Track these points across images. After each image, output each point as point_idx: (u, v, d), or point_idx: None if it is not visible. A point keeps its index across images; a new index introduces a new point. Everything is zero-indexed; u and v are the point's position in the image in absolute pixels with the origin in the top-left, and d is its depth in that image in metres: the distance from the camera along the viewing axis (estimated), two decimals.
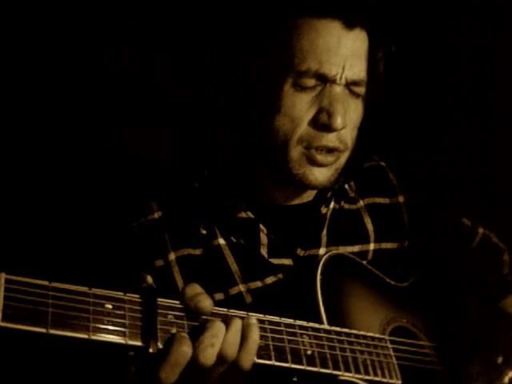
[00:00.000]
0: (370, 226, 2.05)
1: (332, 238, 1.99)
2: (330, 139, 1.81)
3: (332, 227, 2.00)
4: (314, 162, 1.82)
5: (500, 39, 2.56)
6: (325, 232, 1.98)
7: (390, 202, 2.11)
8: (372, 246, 2.03)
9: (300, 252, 1.94)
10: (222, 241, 1.89)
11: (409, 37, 2.56)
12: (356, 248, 2.01)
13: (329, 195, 2.01)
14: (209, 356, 1.43)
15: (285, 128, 1.81)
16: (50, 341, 1.36)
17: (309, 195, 2.00)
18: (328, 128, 1.79)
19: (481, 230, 2.22)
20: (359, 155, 2.09)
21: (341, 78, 1.79)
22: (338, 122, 1.78)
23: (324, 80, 1.79)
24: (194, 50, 2.16)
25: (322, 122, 1.79)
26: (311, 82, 1.79)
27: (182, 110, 2.37)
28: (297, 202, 1.98)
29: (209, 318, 1.50)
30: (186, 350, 1.41)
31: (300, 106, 1.80)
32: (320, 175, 1.84)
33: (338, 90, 1.80)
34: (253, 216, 1.92)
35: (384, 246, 2.05)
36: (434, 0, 2.60)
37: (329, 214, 2.00)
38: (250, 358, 1.50)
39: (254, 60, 1.84)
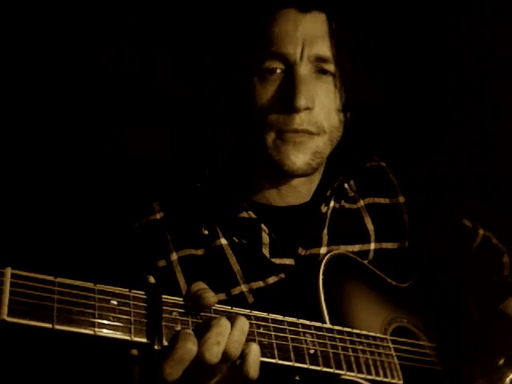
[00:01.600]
0: (370, 226, 2.05)
1: (333, 237, 1.99)
2: (297, 122, 1.82)
3: (332, 226, 2.00)
4: (288, 141, 1.83)
5: (500, 39, 2.57)
6: (325, 231, 1.98)
7: (391, 202, 2.12)
8: (373, 246, 2.03)
9: (301, 251, 1.94)
10: (223, 241, 1.89)
11: (408, 36, 2.57)
12: (356, 247, 2.02)
13: (328, 194, 2.01)
14: (214, 354, 1.42)
15: (258, 118, 1.84)
16: (54, 337, 1.35)
17: (307, 195, 2.00)
18: (292, 108, 1.80)
19: (481, 232, 2.23)
20: (359, 155, 2.10)
21: (301, 56, 1.82)
22: (301, 101, 1.79)
23: (285, 62, 1.82)
24: (194, 50, 2.16)
25: (287, 104, 1.81)
26: (274, 65, 1.82)
27: (182, 110, 2.36)
28: (295, 202, 1.98)
29: (213, 315, 1.50)
30: (190, 346, 1.41)
31: (267, 94, 1.83)
32: (296, 159, 1.84)
33: (302, 71, 1.82)
34: (254, 216, 1.92)
35: (385, 245, 2.06)
36: (433, 0, 2.61)
37: (329, 213, 2.00)
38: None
39: (249, 58, 1.86)
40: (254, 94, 1.83)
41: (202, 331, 1.44)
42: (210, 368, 1.45)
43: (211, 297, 1.49)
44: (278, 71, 1.82)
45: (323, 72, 1.86)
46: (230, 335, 1.45)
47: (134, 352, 1.46)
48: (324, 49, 1.85)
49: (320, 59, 1.84)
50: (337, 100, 1.89)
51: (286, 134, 1.83)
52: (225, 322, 1.46)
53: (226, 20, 1.95)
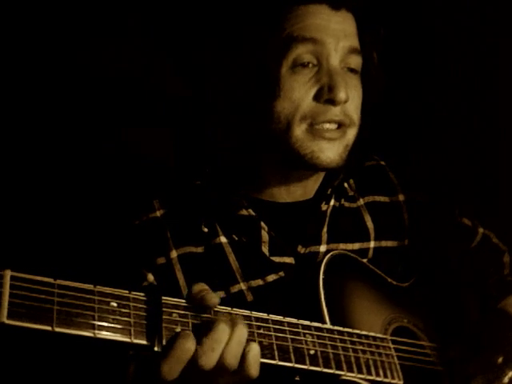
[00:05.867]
0: (370, 224, 2.05)
1: (332, 236, 1.99)
2: (334, 113, 1.82)
3: (332, 225, 2.00)
4: (320, 137, 1.82)
5: (500, 39, 2.57)
6: (325, 229, 1.98)
7: (390, 200, 2.11)
8: (372, 244, 2.03)
9: (301, 249, 1.94)
10: (223, 239, 1.90)
11: (409, 36, 2.57)
12: (356, 246, 2.01)
13: (329, 192, 2.01)
14: (209, 359, 1.42)
15: (286, 111, 1.82)
16: (52, 339, 1.35)
17: (310, 192, 2.00)
18: (332, 102, 1.80)
19: (481, 230, 2.23)
20: (359, 154, 2.10)
21: (336, 48, 1.82)
22: (342, 94, 1.80)
23: (319, 54, 1.82)
24: (194, 50, 2.15)
25: (326, 97, 1.81)
26: (306, 56, 1.81)
27: (182, 110, 2.36)
28: (298, 199, 1.98)
29: (213, 317, 1.50)
30: (189, 346, 1.41)
31: (299, 87, 1.81)
32: (330, 152, 1.84)
33: (335, 64, 1.83)
34: (254, 213, 1.92)
35: (384, 244, 2.05)
36: (434, 0, 2.61)
37: (329, 211, 2.00)
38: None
39: (252, 57, 1.86)
40: (281, 88, 1.81)
41: (201, 333, 1.44)
42: (206, 373, 1.44)
43: (213, 297, 1.49)
44: (310, 64, 1.82)
45: (351, 69, 1.87)
46: (227, 345, 1.45)
47: (132, 351, 1.47)
48: (356, 42, 1.87)
49: (352, 51, 1.85)
50: (361, 94, 1.91)
51: (319, 126, 1.82)
52: (223, 328, 1.45)
53: (233, 19, 1.94)
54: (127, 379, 1.54)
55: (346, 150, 1.88)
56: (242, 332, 1.48)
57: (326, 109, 1.82)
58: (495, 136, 2.65)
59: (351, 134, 1.89)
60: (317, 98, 1.82)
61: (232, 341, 1.46)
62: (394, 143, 2.62)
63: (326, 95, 1.81)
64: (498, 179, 2.64)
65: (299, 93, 1.81)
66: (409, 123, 2.71)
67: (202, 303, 1.48)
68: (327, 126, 1.83)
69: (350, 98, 1.84)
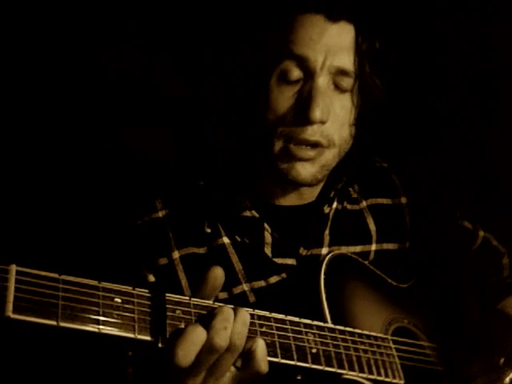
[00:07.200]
0: (372, 227, 2.05)
1: (334, 238, 1.99)
2: (310, 133, 1.80)
3: (334, 227, 2.00)
4: (293, 157, 1.82)
5: (500, 39, 2.57)
6: (327, 232, 1.98)
7: (393, 202, 2.11)
8: (374, 247, 2.03)
9: (303, 251, 1.94)
10: (226, 240, 1.89)
11: (408, 36, 2.57)
12: (358, 248, 2.01)
13: (332, 195, 2.01)
14: (223, 338, 1.41)
15: (269, 123, 1.82)
16: (56, 335, 1.35)
17: (311, 196, 2.00)
18: (306, 121, 1.78)
19: (481, 233, 2.23)
20: (361, 156, 2.10)
21: (322, 66, 1.79)
22: (316, 114, 1.77)
23: (305, 69, 1.79)
24: (194, 50, 2.16)
25: (302, 116, 1.79)
26: (293, 70, 1.80)
27: (182, 110, 2.37)
28: (299, 202, 1.98)
29: (217, 304, 1.50)
30: (200, 330, 1.40)
31: (282, 100, 1.81)
32: (303, 170, 1.83)
33: (320, 82, 1.80)
34: (257, 215, 1.92)
35: (386, 246, 2.06)
36: (433, 0, 2.61)
37: (331, 214, 2.00)
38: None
39: (252, 57, 1.86)
40: (268, 98, 1.81)
41: (208, 320, 1.43)
42: (221, 356, 1.43)
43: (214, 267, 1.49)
44: (297, 78, 1.80)
45: (341, 88, 1.84)
46: (233, 327, 1.44)
47: (131, 353, 1.46)
48: (346, 62, 1.82)
49: (340, 72, 1.82)
50: (351, 114, 1.88)
51: (295, 145, 1.81)
52: (228, 310, 1.45)
53: (233, 19, 1.93)
54: (127, 381, 1.54)
55: (324, 170, 1.87)
56: (244, 313, 1.48)
57: (302, 128, 1.80)
58: (495, 136, 2.65)
59: (330, 154, 1.86)
60: (295, 116, 1.80)
61: (237, 322, 1.45)
62: (395, 144, 2.62)
63: (302, 114, 1.79)
64: (498, 180, 2.64)
65: (280, 108, 1.81)
66: (409, 123, 2.71)
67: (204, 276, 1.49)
68: (301, 146, 1.82)
69: (331, 119, 1.82)
